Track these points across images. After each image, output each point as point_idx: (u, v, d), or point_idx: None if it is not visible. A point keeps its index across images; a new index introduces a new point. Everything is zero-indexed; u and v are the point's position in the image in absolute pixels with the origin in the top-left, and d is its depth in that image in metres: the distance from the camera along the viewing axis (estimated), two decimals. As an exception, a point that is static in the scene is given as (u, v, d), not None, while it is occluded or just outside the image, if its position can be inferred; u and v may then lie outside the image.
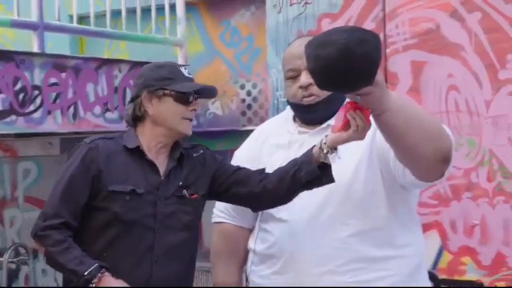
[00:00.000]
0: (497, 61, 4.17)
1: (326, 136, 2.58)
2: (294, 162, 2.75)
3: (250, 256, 2.94)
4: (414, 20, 4.38)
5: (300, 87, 2.81)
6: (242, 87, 5.14)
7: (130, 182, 2.82)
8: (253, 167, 2.92)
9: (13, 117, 3.89)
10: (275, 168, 2.82)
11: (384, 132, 2.47)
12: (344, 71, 2.17)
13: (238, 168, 2.92)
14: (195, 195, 2.90)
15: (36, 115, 3.97)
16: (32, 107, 3.98)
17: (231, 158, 3.11)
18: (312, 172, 2.68)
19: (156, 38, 4.98)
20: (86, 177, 2.80)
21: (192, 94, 2.85)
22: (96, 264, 2.70)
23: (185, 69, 2.92)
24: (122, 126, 4.49)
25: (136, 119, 2.90)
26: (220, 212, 3.04)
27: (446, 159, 2.52)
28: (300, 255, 2.74)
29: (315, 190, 2.73)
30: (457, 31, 4.26)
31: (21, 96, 3.93)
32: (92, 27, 4.62)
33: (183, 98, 2.84)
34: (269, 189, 2.79)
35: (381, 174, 2.73)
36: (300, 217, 2.76)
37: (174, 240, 2.85)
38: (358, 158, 2.74)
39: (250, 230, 2.99)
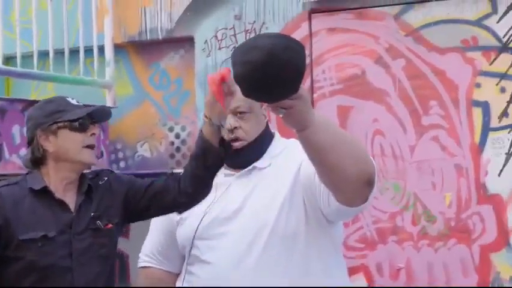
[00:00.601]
0: (421, 107, 4.26)
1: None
2: (196, 156, 2.76)
3: (177, 301, 2.92)
4: (340, 65, 4.45)
5: (227, 130, 2.82)
6: (171, 129, 5.12)
7: (40, 226, 2.75)
8: (181, 210, 2.91)
9: None
10: (202, 212, 2.82)
11: (308, 149, 2.47)
12: (269, 75, 2.18)
13: (151, 182, 2.86)
14: (110, 225, 2.86)
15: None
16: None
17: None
18: (218, 156, 2.71)
19: (84, 80, 4.93)
20: None
21: (86, 119, 2.81)
22: None
23: (72, 98, 2.88)
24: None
25: (37, 162, 2.82)
26: (146, 256, 3.02)
27: (370, 182, 2.54)
28: (226, 298, 2.73)
29: (241, 230, 2.74)
30: (382, 77, 4.34)
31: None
32: (18, 68, 4.56)
33: (79, 126, 2.80)
34: (189, 192, 2.76)
35: (306, 210, 2.75)
36: (227, 259, 2.76)
37: (93, 275, 2.81)
38: (282, 197, 2.76)
39: (177, 275, 2.97)
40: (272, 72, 2.17)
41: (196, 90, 4.88)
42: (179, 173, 2.82)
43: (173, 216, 2.92)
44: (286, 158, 2.82)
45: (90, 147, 2.83)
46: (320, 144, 2.43)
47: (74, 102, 2.85)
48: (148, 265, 3.01)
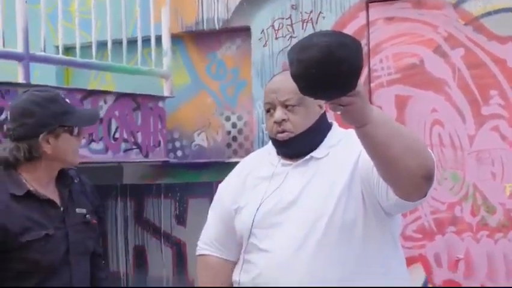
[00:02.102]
0: (480, 97, 4.20)
1: None
2: None
3: (235, 288, 2.92)
4: (398, 55, 4.41)
5: (275, 122, 2.81)
6: (227, 119, 5.13)
7: (39, 226, 2.78)
8: (236, 199, 2.91)
9: (-2, 147, 3.85)
10: (259, 201, 2.82)
11: (367, 145, 2.45)
12: (325, 73, 2.15)
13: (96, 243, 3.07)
14: (94, 221, 2.97)
15: None
16: (16, 137, 3.93)
17: (216, 189, 3.09)
18: None
19: (142, 70, 4.97)
20: None
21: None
22: None
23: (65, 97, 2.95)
24: (108, 156, 4.49)
25: (19, 161, 2.81)
26: (205, 244, 3.01)
27: (429, 176, 2.50)
28: (285, 285, 2.71)
29: (298, 220, 2.73)
30: (441, 66, 4.30)
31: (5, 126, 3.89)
32: (78, 58, 4.61)
33: (78, 131, 2.87)
34: None
35: (364, 201, 2.72)
36: (285, 247, 2.74)
37: (85, 268, 2.92)
38: (340, 187, 2.74)
39: (235, 263, 2.97)
40: (328, 70, 2.15)
41: (253, 80, 4.88)
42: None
43: (231, 205, 2.92)
44: (345, 148, 2.80)
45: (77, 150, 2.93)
46: (378, 139, 2.40)
47: (67, 101, 2.92)
48: (206, 253, 3.00)
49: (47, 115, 2.78)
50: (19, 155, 2.79)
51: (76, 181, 2.97)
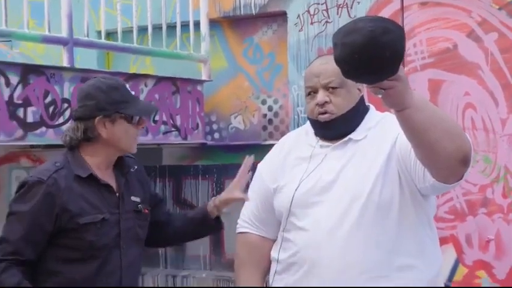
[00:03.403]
0: (513, 80, 4.19)
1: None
2: (192, 220, 3.18)
3: (273, 265, 2.95)
4: (432, 39, 4.41)
5: (317, 104, 2.84)
6: (264, 102, 5.16)
7: (95, 210, 2.86)
8: (276, 178, 2.94)
9: (43, 129, 3.92)
10: (298, 180, 2.85)
11: (407, 128, 2.48)
12: (368, 58, 2.18)
13: (161, 205, 3.21)
14: (147, 211, 3.04)
15: (65, 127, 3.98)
16: (61, 120, 4.00)
17: (252, 171, 3.13)
18: (211, 227, 3.23)
19: (181, 54, 5.01)
20: (50, 216, 2.80)
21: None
22: None
23: (128, 86, 2.99)
24: (148, 138, 4.54)
25: (81, 141, 2.91)
26: (245, 222, 3.06)
27: (466, 160, 2.52)
28: (322, 263, 2.75)
29: (336, 200, 2.76)
30: (474, 51, 4.29)
31: (51, 109, 3.96)
32: (119, 42, 4.66)
33: (138, 121, 2.93)
34: (169, 242, 3.28)
35: (400, 183, 2.75)
36: (322, 226, 2.77)
37: (135, 256, 2.98)
38: (377, 168, 2.76)
39: (273, 241, 3.00)
40: (371, 55, 2.17)
41: (289, 64, 4.90)
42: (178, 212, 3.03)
43: (271, 184, 2.96)
44: (382, 131, 2.82)
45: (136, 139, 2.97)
46: (418, 123, 2.43)
47: (132, 92, 2.99)
48: (246, 231, 3.04)
49: (106, 101, 2.87)
50: (77, 134, 2.89)
51: (132, 170, 3.03)
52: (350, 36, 2.20)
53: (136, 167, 3.06)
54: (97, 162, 2.93)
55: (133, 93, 2.98)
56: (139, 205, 3.00)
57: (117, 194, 2.95)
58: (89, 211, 2.85)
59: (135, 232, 2.98)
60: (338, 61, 2.25)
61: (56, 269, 2.85)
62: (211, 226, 3.21)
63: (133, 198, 3.00)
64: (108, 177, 2.96)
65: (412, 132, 2.47)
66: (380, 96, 2.34)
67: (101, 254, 2.87)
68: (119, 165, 3.00)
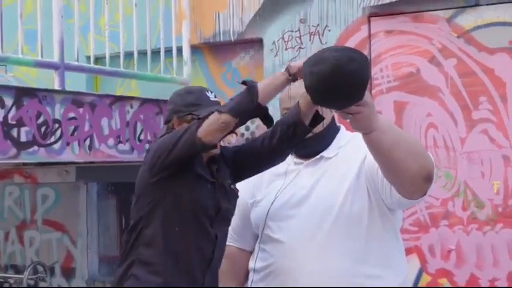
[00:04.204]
0: (471, 102, 4.24)
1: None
2: (287, 123, 2.71)
3: (251, 275, 2.95)
4: (396, 64, 4.45)
5: None
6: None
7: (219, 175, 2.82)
8: (253, 194, 2.95)
9: (35, 147, 3.90)
10: (274, 196, 2.86)
11: (373, 149, 2.49)
12: (335, 86, 2.19)
13: (251, 142, 2.92)
14: (236, 190, 2.91)
15: (56, 146, 3.98)
16: (52, 139, 3.99)
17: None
18: (306, 131, 2.70)
19: (164, 78, 5.02)
20: None
21: None
22: None
23: (211, 92, 2.89)
24: (134, 156, 4.53)
25: None
26: (224, 235, 3.06)
27: (429, 177, 2.54)
28: (297, 273, 2.76)
29: (309, 213, 2.77)
30: (435, 75, 4.33)
31: (43, 129, 3.95)
32: (107, 67, 4.66)
33: None
34: (273, 145, 2.78)
35: (369, 198, 2.76)
36: (297, 238, 2.78)
37: (225, 232, 2.87)
38: (348, 183, 2.78)
39: (251, 252, 3.01)
40: (337, 82, 2.19)
41: (265, 87, 4.91)
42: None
43: (248, 199, 2.96)
44: (352, 149, 2.84)
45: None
46: (384, 145, 2.44)
47: (212, 97, 2.86)
48: (225, 243, 3.05)
49: (181, 104, 2.85)
50: (162, 134, 2.90)
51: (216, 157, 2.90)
52: (317, 66, 2.21)
53: (219, 152, 2.90)
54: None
55: (213, 98, 2.86)
56: (232, 185, 2.88)
57: (212, 181, 2.82)
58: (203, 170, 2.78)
59: (229, 212, 2.85)
60: (307, 89, 2.27)
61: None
62: (307, 130, 2.75)
63: (224, 183, 2.86)
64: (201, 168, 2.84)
65: (378, 152, 2.49)
66: (347, 120, 2.36)
67: (199, 215, 2.76)
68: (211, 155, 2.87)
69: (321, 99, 2.27)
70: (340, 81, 2.19)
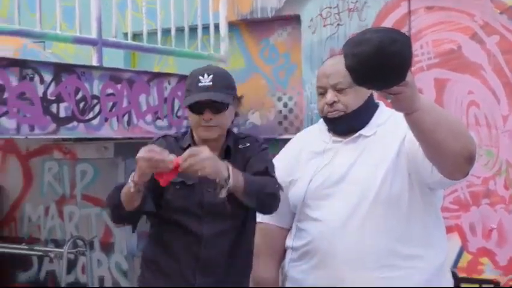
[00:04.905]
0: (514, 79, 4.15)
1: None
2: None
3: (289, 253, 2.93)
4: (437, 41, 4.37)
5: (326, 103, 2.82)
6: (279, 99, 5.14)
7: (182, 175, 2.73)
8: (291, 172, 2.92)
9: (74, 123, 3.91)
10: (311, 174, 2.83)
11: (415, 130, 2.45)
12: (377, 67, 2.16)
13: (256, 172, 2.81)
14: None
15: (95, 122, 3.99)
16: (91, 115, 4.00)
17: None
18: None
19: (201, 54, 4.99)
20: None
21: (198, 106, 2.75)
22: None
23: (208, 76, 2.78)
24: (171, 132, 4.52)
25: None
26: (262, 212, 3.03)
27: (471, 158, 2.50)
28: (334, 252, 2.74)
29: (348, 193, 2.73)
30: (477, 52, 4.25)
31: (81, 104, 3.95)
32: (144, 43, 4.64)
33: (194, 110, 2.78)
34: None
35: (409, 177, 2.72)
36: (335, 217, 2.76)
37: (219, 230, 2.80)
38: (387, 162, 2.74)
39: (288, 230, 2.99)
40: (380, 64, 2.15)
41: (303, 64, 4.88)
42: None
43: (286, 177, 2.93)
44: (392, 127, 2.79)
45: (205, 126, 2.78)
46: (426, 125, 2.40)
47: (203, 80, 2.77)
48: (262, 220, 3.02)
49: (184, 88, 2.88)
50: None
51: (242, 146, 2.88)
52: (359, 47, 2.17)
53: (247, 144, 2.88)
54: (197, 139, 2.85)
55: (204, 83, 2.76)
56: None
57: None
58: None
59: (223, 207, 2.75)
60: (348, 70, 2.23)
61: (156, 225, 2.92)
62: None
63: None
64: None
65: (420, 133, 2.44)
66: (389, 100, 2.32)
67: (179, 216, 2.80)
68: (231, 142, 2.87)
69: (362, 81, 2.23)
70: (383, 63, 2.15)
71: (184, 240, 2.82)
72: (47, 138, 5.26)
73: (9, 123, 3.62)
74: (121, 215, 2.75)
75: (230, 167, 2.64)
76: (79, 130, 3.96)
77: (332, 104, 2.82)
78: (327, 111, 2.83)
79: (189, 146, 2.83)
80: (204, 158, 2.57)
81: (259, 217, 3.02)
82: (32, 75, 3.71)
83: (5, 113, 3.60)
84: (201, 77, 2.79)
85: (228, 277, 2.84)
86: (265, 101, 5.18)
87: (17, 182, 6.15)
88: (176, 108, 4.61)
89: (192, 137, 2.88)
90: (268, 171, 2.81)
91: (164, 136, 2.95)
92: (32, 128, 3.72)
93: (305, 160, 2.92)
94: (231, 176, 2.61)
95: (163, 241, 2.86)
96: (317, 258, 2.78)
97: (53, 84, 3.80)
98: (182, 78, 4.68)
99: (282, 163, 2.99)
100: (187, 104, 2.79)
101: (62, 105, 3.85)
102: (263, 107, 5.19)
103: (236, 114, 2.94)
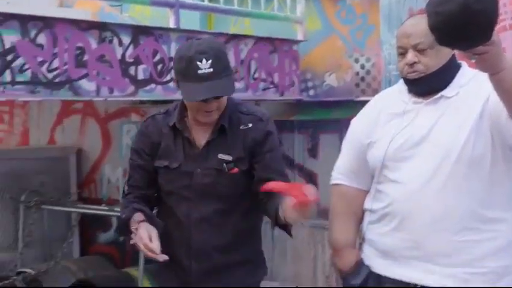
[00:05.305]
0: None
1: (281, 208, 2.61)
2: (275, 209, 2.66)
3: (367, 215, 2.92)
4: (521, -1, 4.23)
5: (406, 64, 2.77)
6: (356, 61, 5.09)
7: (168, 157, 2.77)
8: (370, 134, 2.89)
9: (152, 85, 3.98)
10: (391, 136, 2.79)
11: (500, 90, 2.39)
12: (462, 26, 2.10)
13: (270, 177, 2.73)
14: (235, 170, 2.76)
15: (172, 84, 4.03)
16: (168, 77, 4.05)
17: (345, 126, 3.08)
18: (280, 226, 2.74)
19: (278, 16, 4.98)
20: (144, 151, 2.84)
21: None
22: (131, 207, 2.76)
23: (206, 61, 2.57)
24: (248, 94, 4.55)
25: None
26: (339, 174, 3.02)
27: None
28: (415, 214, 2.70)
29: (429, 154, 2.69)
30: None
31: (159, 67, 4.01)
32: (221, 5, 4.65)
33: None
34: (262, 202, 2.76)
35: (492, 139, 2.66)
36: (415, 179, 2.72)
37: (210, 211, 2.77)
38: (470, 124, 2.68)
39: (367, 192, 2.96)
40: (465, 23, 2.09)
41: (381, 25, 4.79)
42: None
43: (364, 139, 2.90)
44: (475, 88, 2.73)
45: (205, 111, 2.69)
46: (511, 84, 2.34)
47: (202, 66, 2.57)
48: (340, 182, 3.00)
49: (175, 68, 2.73)
50: None
51: (243, 127, 2.79)
52: (444, 6, 2.12)
53: (250, 125, 2.78)
54: (190, 117, 2.78)
55: (204, 70, 2.58)
56: (225, 164, 2.75)
57: (199, 150, 2.77)
58: (164, 157, 2.78)
59: (214, 189, 2.74)
60: (432, 30, 2.18)
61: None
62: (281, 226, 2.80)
63: (220, 156, 2.76)
64: (199, 131, 2.77)
65: (505, 93, 2.38)
66: (473, 61, 2.26)
67: (169, 199, 2.82)
68: (230, 120, 2.78)
69: (446, 40, 2.18)
70: (468, 21, 2.09)
71: (175, 223, 2.81)
72: (126, 101, 5.35)
73: (89, 85, 3.70)
74: None
75: None
76: (157, 92, 4.01)
77: (412, 65, 2.76)
78: (407, 71, 2.79)
79: (174, 124, 2.77)
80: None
81: (337, 179, 3.01)
82: (111, 38, 3.77)
83: (85, 76, 3.68)
84: (199, 63, 2.58)
85: (227, 265, 2.83)
86: (342, 62, 5.14)
87: (96, 145, 6.30)
88: (253, 70, 4.62)
89: (181, 114, 2.77)
90: (286, 181, 2.77)
91: (153, 116, 2.87)
92: (111, 90, 3.80)
93: (384, 122, 2.88)
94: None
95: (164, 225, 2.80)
96: (396, 221, 2.75)
97: (131, 46, 3.85)
98: (258, 40, 4.68)
99: (360, 125, 2.96)
100: (192, 101, 2.64)
101: (140, 68, 3.91)
102: (340, 68, 5.15)
103: None
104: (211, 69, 2.58)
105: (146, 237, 2.59)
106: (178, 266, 2.86)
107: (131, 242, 2.66)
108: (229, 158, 2.76)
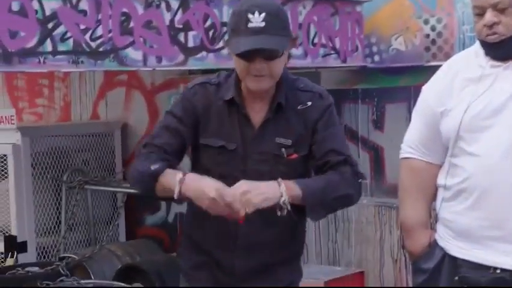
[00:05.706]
0: None
1: None
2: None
3: (441, 192, 2.92)
4: None
5: (485, 25, 2.75)
6: (426, 22, 5.05)
7: (222, 136, 2.68)
8: (443, 102, 2.88)
9: (204, 53, 3.99)
10: (467, 103, 2.78)
11: None
12: None
13: (331, 153, 2.72)
14: (294, 156, 2.71)
15: (225, 51, 4.02)
16: (221, 44, 4.05)
17: (414, 94, 3.08)
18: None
19: (339, -26, 4.96)
20: (187, 120, 2.73)
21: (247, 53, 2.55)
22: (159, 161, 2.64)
23: (259, 14, 2.53)
24: (307, 62, 4.55)
25: None
26: (409, 147, 3.02)
27: None
28: (494, 190, 2.70)
29: (509, 123, 2.68)
30: None
31: (211, 33, 4.02)
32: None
33: (243, 56, 2.58)
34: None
35: None
36: (494, 151, 2.71)
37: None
38: None
39: (439, 166, 2.96)
40: None
41: (455, -19, 4.76)
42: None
43: (437, 107, 2.90)
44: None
45: (255, 76, 2.61)
46: None
47: (254, 19, 2.53)
48: (410, 156, 3.01)
49: (228, 26, 2.72)
50: None
51: (302, 107, 2.74)
52: None
53: (309, 104, 2.72)
54: (243, 89, 2.72)
55: (255, 23, 2.54)
56: (284, 148, 2.70)
57: (255, 130, 2.71)
58: (216, 134, 2.70)
59: (270, 175, 2.62)
60: None
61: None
62: None
63: (278, 139, 2.70)
64: (255, 109, 2.72)
65: None
66: None
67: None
68: (287, 99, 2.72)
69: None
70: None
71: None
72: (174, 71, 5.39)
73: (136, 54, 3.74)
74: (154, 198, 2.73)
75: (282, 185, 2.55)
76: (209, 61, 4.03)
77: (491, 26, 2.74)
78: (485, 33, 2.77)
79: (232, 99, 2.69)
80: (250, 198, 2.49)
81: (407, 152, 3.02)
82: (158, 2, 3.80)
83: (132, 43, 3.71)
84: (250, 16, 2.53)
85: (275, 263, 2.78)
86: (410, 24, 5.11)
87: (142, 119, 6.38)
88: (312, 34, 4.61)
89: (237, 86, 2.71)
90: (347, 160, 2.73)
91: (203, 84, 2.76)
92: (159, 60, 3.83)
93: (459, 88, 2.87)
94: (284, 195, 2.53)
95: (198, 213, 2.64)
96: (474, 198, 2.75)
97: (180, 11, 3.87)
98: (318, 1, 4.67)
99: (432, 92, 2.96)
100: (237, 53, 2.58)
101: (190, 34, 3.93)
102: (408, 30, 5.12)
103: (289, 57, 2.74)
104: (263, 24, 2.54)
105: (221, 186, 2.51)
106: (215, 264, 2.77)
107: (182, 189, 2.54)
108: (288, 142, 2.71)
